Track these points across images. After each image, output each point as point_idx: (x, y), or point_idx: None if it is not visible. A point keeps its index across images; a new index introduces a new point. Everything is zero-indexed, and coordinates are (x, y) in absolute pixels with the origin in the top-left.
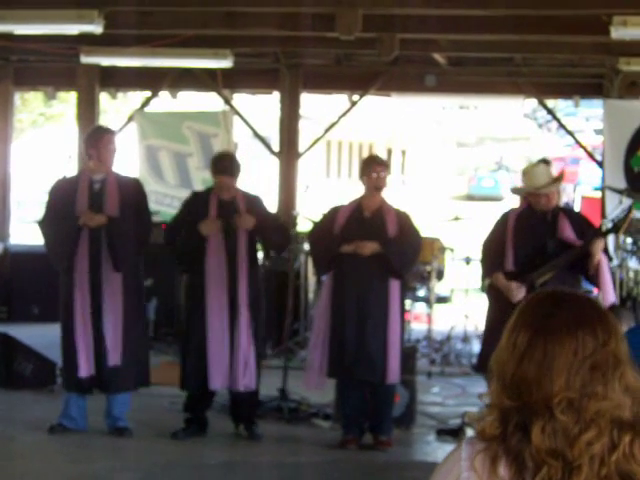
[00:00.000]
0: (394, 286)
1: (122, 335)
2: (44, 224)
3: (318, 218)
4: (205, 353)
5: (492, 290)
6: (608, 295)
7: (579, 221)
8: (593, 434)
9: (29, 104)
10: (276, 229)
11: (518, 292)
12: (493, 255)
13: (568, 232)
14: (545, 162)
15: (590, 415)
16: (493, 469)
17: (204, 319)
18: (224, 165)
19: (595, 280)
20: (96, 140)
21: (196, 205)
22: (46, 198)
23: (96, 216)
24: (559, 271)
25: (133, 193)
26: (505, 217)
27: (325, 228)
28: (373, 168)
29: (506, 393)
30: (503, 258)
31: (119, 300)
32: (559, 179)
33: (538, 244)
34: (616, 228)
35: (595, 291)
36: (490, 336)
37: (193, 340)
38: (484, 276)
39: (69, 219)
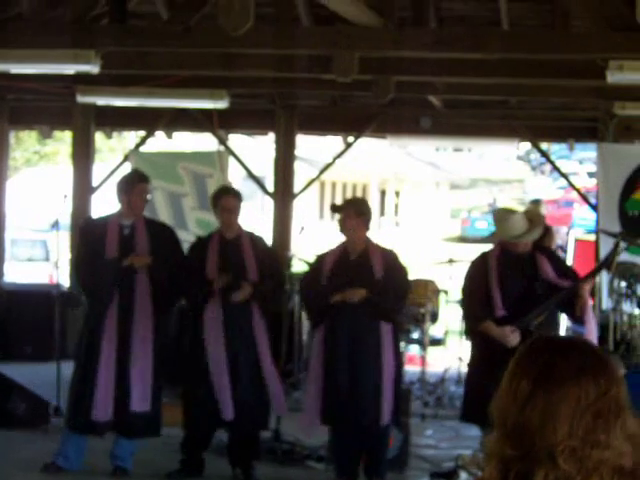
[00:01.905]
0: (387, 329)
1: (152, 381)
2: (80, 269)
3: (305, 268)
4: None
5: (476, 338)
6: (591, 338)
7: (555, 259)
8: None
9: (23, 142)
10: (273, 284)
11: (514, 337)
12: (478, 301)
13: (550, 272)
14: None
15: (593, 464)
16: None
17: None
18: (226, 189)
19: (580, 321)
20: (129, 187)
21: (197, 249)
22: (79, 239)
23: (142, 257)
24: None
25: (165, 240)
26: (483, 260)
27: (313, 279)
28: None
29: (508, 442)
30: (490, 303)
31: (149, 348)
32: (536, 225)
33: (525, 286)
34: (605, 265)
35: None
36: (474, 384)
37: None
38: (472, 324)
39: (101, 263)
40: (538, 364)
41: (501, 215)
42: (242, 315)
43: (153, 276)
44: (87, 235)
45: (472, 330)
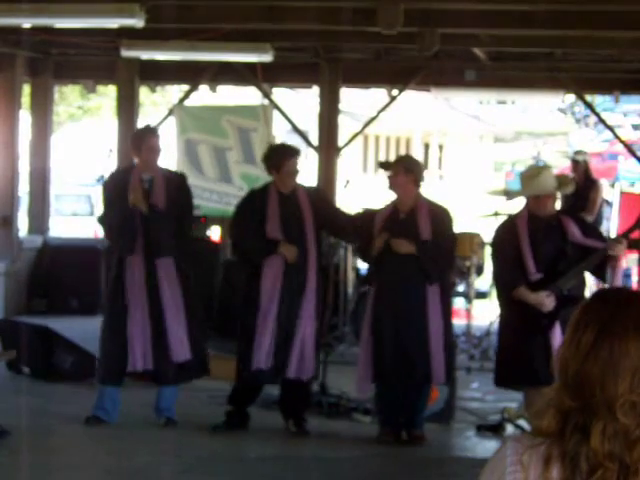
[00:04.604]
0: (433, 289)
1: (187, 328)
2: (104, 219)
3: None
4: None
5: (508, 302)
6: None
7: (581, 221)
8: None
9: (66, 97)
10: (347, 220)
11: (549, 302)
12: (511, 266)
13: (578, 234)
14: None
15: None
16: (546, 468)
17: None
18: (289, 150)
19: (609, 280)
20: (138, 142)
21: (254, 203)
22: (102, 194)
23: (140, 202)
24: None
25: (177, 190)
26: (511, 224)
27: (367, 238)
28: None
29: (567, 392)
30: (523, 268)
31: (178, 296)
32: (565, 183)
33: (556, 250)
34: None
35: None
36: (508, 349)
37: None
38: (506, 289)
39: (125, 211)
40: (604, 315)
41: (531, 172)
42: (299, 272)
43: (157, 226)
44: (110, 189)
45: (505, 295)
